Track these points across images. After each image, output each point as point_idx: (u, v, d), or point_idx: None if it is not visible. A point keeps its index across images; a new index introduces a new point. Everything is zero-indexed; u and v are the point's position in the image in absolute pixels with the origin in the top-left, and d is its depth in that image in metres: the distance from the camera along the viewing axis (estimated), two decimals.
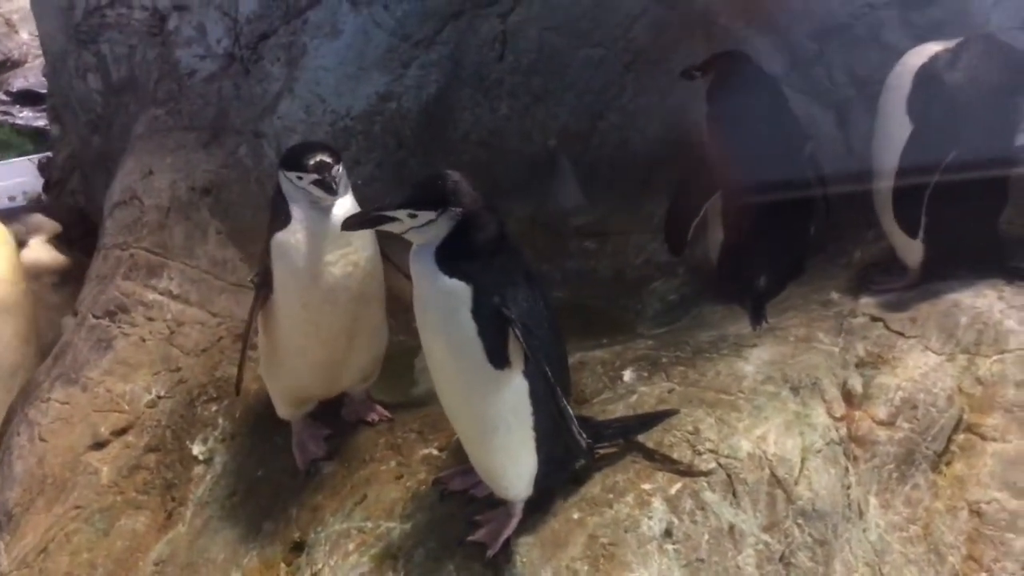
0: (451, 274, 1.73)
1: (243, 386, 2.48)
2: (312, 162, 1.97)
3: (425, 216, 1.73)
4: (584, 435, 1.85)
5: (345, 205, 2.04)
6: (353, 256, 2.05)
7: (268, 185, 2.81)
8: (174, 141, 2.87)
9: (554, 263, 2.99)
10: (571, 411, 1.81)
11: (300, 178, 1.99)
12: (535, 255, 2.85)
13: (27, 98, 6.62)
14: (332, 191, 1.97)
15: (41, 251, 3.39)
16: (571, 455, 1.93)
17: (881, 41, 2.79)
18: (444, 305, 1.75)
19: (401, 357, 2.65)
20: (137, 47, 3.06)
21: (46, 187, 4.45)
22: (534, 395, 1.79)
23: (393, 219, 1.75)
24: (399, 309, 2.33)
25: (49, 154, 4.99)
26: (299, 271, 2.03)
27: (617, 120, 3.03)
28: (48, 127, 6.07)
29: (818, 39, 2.88)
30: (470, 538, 1.88)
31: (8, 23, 7.62)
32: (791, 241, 2.61)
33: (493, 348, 1.74)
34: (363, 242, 2.07)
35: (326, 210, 2.02)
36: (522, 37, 2.96)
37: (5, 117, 6.62)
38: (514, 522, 1.88)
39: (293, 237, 2.03)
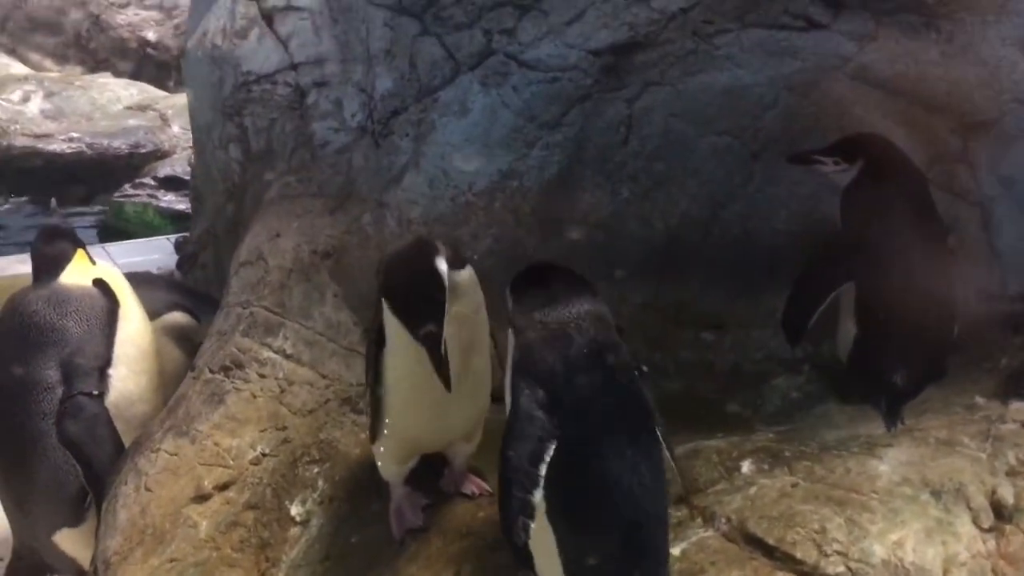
0: (514, 333, 1.92)
1: (344, 451, 2.48)
2: (422, 332, 1.89)
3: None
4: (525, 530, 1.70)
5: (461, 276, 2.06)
6: (462, 309, 2.05)
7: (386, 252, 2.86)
8: (302, 207, 2.96)
9: (667, 352, 2.85)
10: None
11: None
12: (647, 343, 2.76)
13: (171, 184, 7.17)
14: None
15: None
16: None
17: None
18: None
19: (495, 429, 2.58)
20: (277, 120, 3.20)
21: (180, 263, 4.67)
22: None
23: None
24: None
25: (186, 233, 5.29)
26: None
27: (741, 209, 2.93)
28: (188, 210, 6.52)
29: (962, 135, 2.75)
30: None
31: (163, 117, 8.31)
32: (933, 338, 2.43)
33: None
34: (470, 298, 2.10)
35: None
36: (647, 122, 2.94)
37: (150, 200, 7.15)
38: None
39: None
